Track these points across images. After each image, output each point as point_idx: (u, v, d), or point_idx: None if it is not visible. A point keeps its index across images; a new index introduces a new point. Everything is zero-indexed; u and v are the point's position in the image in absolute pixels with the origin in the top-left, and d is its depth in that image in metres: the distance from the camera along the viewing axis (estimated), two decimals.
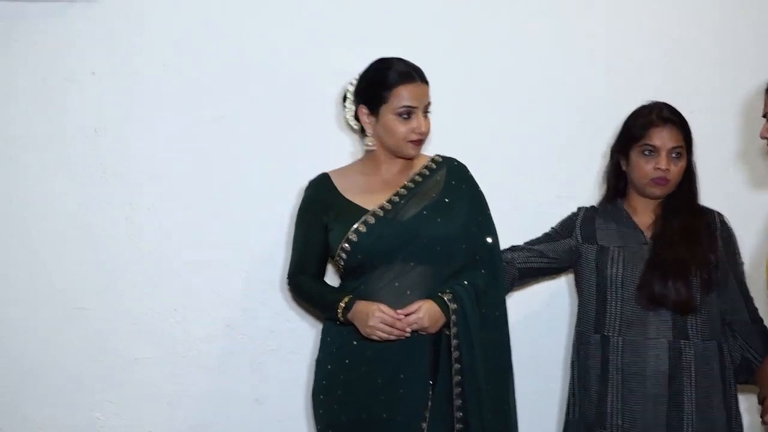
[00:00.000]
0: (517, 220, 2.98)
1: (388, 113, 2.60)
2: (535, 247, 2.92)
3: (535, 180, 3.15)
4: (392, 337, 2.55)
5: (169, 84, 2.96)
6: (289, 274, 2.79)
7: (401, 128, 2.60)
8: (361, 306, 2.57)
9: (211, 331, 3.01)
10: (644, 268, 2.72)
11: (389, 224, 2.63)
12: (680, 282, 2.68)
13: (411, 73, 2.60)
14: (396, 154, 2.67)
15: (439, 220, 2.64)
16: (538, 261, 2.91)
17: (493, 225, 2.73)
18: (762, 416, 2.65)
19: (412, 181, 2.70)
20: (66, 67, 2.92)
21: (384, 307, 2.54)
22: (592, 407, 2.77)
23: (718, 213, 2.83)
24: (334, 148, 2.99)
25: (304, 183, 2.78)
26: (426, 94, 2.62)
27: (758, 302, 2.83)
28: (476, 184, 2.75)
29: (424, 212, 2.64)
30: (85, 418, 2.97)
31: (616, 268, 2.75)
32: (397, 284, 2.60)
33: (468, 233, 2.67)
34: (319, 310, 2.79)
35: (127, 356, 2.98)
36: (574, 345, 2.89)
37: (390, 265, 2.61)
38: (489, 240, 2.71)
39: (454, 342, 2.58)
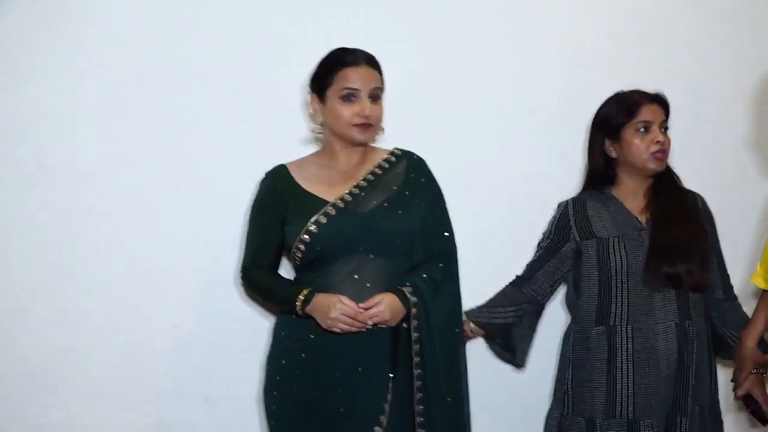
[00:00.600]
0: (493, 217, 3.05)
1: (333, 97, 2.60)
2: (546, 268, 2.92)
3: (509, 176, 3.17)
4: (353, 330, 2.53)
5: (117, 79, 2.86)
6: (242, 268, 2.74)
7: (345, 111, 2.60)
8: (321, 298, 2.55)
9: (159, 331, 2.94)
10: (647, 252, 2.78)
11: (350, 216, 2.61)
12: (686, 261, 2.75)
13: (355, 57, 2.61)
14: (345, 140, 2.65)
15: (399, 212, 2.64)
16: (555, 284, 2.95)
17: (449, 219, 2.74)
18: (735, 391, 2.77)
19: (372, 173, 2.69)
20: (3, 61, 2.80)
21: (345, 299, 2.53)
22: (596, 400, 2.81)
23: (699, 194, 2.92)
24: (291, 143, 2.94)
25: (258, 179, 2.73)
26: (373, 79, 2.61)
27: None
28: (434, 178, 2.75)
29: (385, 204, 2.64)
30: (32, 423, 2.86)
31: (618, 258, 2.80)
32: (356, 277, 2.59)
33: (426, 227, 2.67)
34: (275, 303, 2.74)
35: (74, 358, 2.88)
36: (569, 341, 2.91)
37: (349, 258, 2.59)
38: (446, 234, 2.72)
39: (414, 335, 2.57)
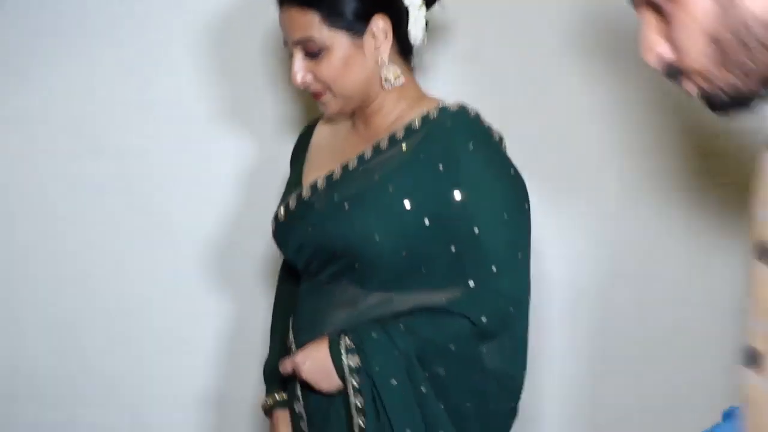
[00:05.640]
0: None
1: None
2: None
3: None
4: None
5: (87, 39, 2.22)
6: None
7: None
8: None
9: (170, 402, 2.31)
10: None
11: (305, 213, 1.80)
12: None
13: None
14: None
15: (373, 217, 1.72)
16: None
17: (505, 238, 1.69)
18: None
19: (376, 147, 1.78)
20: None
21: None
22: None
23: None
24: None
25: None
26: (300, 26, 1.71)
27: None
28: (478, 158, 1.70)
29: (345, 203, 1.74)
30: None
31: None
32: (316, 301, 1.81)
33: (419, 235, 1.68)
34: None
35: None
36: None
37: (310, 277, 1.82)
38: (476, 230, 1.65)
39: (358, 420, 1.71)
